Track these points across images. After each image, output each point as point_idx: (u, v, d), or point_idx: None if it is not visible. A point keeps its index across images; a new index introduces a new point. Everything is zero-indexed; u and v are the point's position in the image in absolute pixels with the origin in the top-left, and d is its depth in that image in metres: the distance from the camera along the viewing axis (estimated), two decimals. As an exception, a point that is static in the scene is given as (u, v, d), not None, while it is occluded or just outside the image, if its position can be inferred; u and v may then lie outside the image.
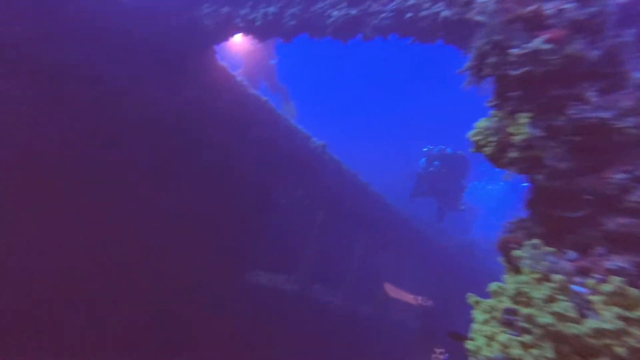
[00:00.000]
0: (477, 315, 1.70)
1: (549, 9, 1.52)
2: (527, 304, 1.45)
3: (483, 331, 1.62)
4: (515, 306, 1.51)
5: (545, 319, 1.33)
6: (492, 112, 1.77)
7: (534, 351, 1.32)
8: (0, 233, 3.27)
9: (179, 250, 5.02)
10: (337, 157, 7.55)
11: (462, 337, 1.89)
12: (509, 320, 1.52)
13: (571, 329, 1.27)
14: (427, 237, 9.46)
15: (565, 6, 1.51)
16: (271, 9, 3.69)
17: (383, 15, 3.44)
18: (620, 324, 1.19)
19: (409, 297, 7.31)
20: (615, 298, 1.27)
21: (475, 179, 18.41)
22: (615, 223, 1.46)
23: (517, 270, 1.69)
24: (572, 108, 1.44)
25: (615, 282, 1.30)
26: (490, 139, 1.72)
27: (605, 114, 1.42)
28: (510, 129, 1.61)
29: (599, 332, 1.21)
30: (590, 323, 1.24)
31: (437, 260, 9.53)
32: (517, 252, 1.69)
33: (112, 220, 4.26)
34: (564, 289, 1.37)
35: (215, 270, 5.58)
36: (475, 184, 18.44)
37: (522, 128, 1.55)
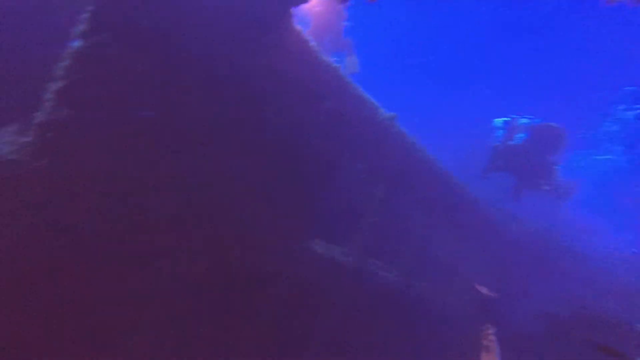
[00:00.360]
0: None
1: None
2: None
3: None
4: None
5: None
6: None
7: None
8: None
9: (243, 213, 5.14)
10: (405, 130, 7.31)
11: (616, 352, 1.73)
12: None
13: None
14: (493, 220, 9.04)
15: None
16: (361, -32, 3.48)
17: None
18: None
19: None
20: None
21: (579, 148, 16.18)
22: None
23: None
24: None
25: None
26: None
27: None
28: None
29: None
30: None
31: (501, 247, 9.13)
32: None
33: (179, 181, 4.37)
34: None
35: (278, 234, 5.71)
36: (578, 153, 16.22)
37: None
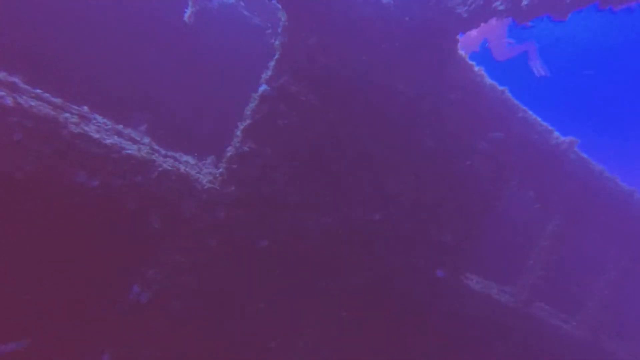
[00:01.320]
0: None
1: None
2: None
3: None
4: None
5: None
6: None
7: None
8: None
9: (398, 238, 4.84)
10: (588, 157, 5.98)
11: None
12: None
13: None
14: None
15: None
16: (551, -17, 2.89)
17: None
18: None
19: None
20: None
21: None
22: None
23: None
24: None
25: None
26: None
27: None
28: None
29: None
30: None
31: None
32: None
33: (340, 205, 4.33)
34: None
35: (431, 264, 5.22)
36: None
37: None
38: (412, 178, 4.83)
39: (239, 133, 3.63)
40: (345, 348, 4.66)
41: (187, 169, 3.20)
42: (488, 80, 5.26)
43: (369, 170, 4.52)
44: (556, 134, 5.89)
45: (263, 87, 3.63)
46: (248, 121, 3.64)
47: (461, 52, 4.99)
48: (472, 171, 5.31)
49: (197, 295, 3.52)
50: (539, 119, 5.81)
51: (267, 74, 3.63)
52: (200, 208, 3.35)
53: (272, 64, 3.63)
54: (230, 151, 3.61)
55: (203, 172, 3.43)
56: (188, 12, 4.40)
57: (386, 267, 4.83)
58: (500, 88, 5.37)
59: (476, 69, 5.12)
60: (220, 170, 3.54)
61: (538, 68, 7.56)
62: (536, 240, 6.11)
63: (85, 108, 2.82)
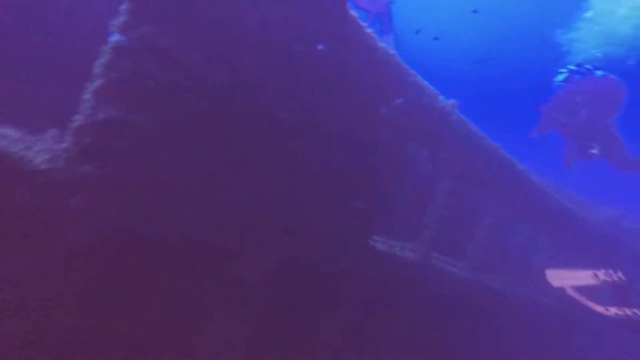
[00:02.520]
0: None
1: None
2: None
3: None
4: None
5: None
6: None
7: None
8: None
9: (307, 209, 4.31)
10: (466, 118, 6.13)
11: None
12: None
13: None
14: (565, 208, 7.48)
15: None
16: None
17: None
18: None
19: (586, 277, 5.39)
20: None
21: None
22: None
23: None
24: None
25: None
26: None
27: None
28: None
29: None
30: None
31: (577, 238, 7.54)
32: None
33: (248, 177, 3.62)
34: None
35: (339, 232, 4.83)
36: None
37: None
38: (321, 145, 4.27)
39: (89, 96, 2.63)
40: (261, 336, 4.05)
41: (2, 145, 2.15)
42: (380, 43, 4.90)
43: (272, 139, 3.83)
44: (441, 97, 5.88)
45: (116, 37, 2.65)
46: (101, 81, 2.65)
47: (352, 12, 4.51)
48: (377, 135, 4.97)
49: (52, 307, 2.54)
50: (426, 82, 5.70)
51: (119, 20, 2.65)
52: (38, 195, 2.33)
53: (124, 6, 2.65)
54: (79, 120, 2.60)
55: (34, 149, 2.38)
56: None
57: (301, 241, 4.28)
58: (391, 52, 5.07)
59: (368, 31, 4.70)
60: (65, 145, 2.52)
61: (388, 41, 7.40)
62: (431, 196, 6.16)
63: None
